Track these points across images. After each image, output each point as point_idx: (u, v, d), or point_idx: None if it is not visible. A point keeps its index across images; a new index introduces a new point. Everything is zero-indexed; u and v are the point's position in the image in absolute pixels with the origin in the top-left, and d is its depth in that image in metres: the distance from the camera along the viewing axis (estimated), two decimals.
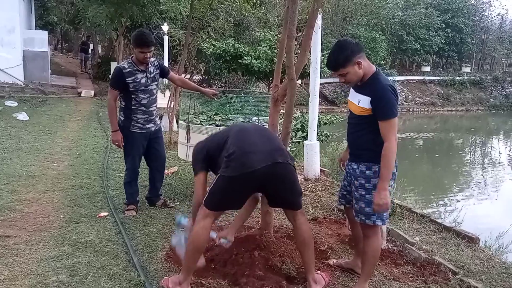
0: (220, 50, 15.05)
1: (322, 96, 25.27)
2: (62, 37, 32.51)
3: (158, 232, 3.61)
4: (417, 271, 3.08)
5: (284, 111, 3.38)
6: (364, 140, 2.62)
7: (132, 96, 3.89)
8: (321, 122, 9.19)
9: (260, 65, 14.63)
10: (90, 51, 21.57)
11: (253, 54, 14.98)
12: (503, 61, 43.06)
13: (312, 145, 5.46)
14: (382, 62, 28.02)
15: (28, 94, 12.45)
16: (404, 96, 29.37)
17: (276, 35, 14.18)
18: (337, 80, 28.14)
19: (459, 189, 10.34)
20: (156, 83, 4.04)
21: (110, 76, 4.51)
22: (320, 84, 6.40)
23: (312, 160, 5.44)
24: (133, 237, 3.50)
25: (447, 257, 3.29)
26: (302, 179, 5.36)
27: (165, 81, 8.50)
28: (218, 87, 16.73)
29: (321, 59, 5.74)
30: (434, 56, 37.94)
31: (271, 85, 4.79)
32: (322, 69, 11.62)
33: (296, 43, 3.41)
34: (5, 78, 12.87)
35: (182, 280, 2.59)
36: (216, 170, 2.66)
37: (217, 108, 5.38)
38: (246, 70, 15.43)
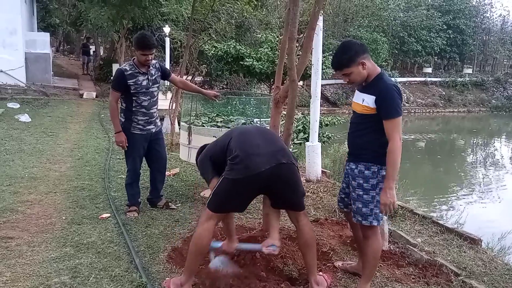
0: (222, 52, 15.08)
1: (324, 97, 25.24)
2: (64, 39, 32.58)
3: (160, 234, 3.61)
4: (419, 273, 3.08)
5: (285, 113, 3.39)
6: (365, 140, 2.62)
7: (133, 98, 3.90)
8: (323, 123, 9.19)
9: (261, 67, 14.66)
10: (92, 52, 21.59)
11: (255, 55, 15.00)
12: (504, 62, 42.94)
13: (313, 146, 5.46)
14: (383, 63, 27.98)
15: (30, 96, 12.50)
16: (405, 98, 29.28)
17: (277, 37, 14.19)
18: (338, 81, 28.01)
19: (461, 191, 10.32)
20: (157, 85, 4.05)
21: (112, 78, 4.52)
22: (322, 85, 6.40)
23: (313, 161, 5.44)
24: (135, 239, 3.50)
25: (449, 258, 3.28)
26: (304, 181, 5.35)
27: (167, 82, 8.53)
28: (220, 89, 16.74)
29: (322, 60, 5.74)
30: (436, 57, 37.85)
31: (273, 86, 4.80)
32: (324, 71, 11.64)
33: (297, 44, 3.42)
34: (7, 80, 12.91)
35: (184, 281, 2.59)
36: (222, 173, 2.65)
37: (218, 109, 5.39)
38: (248, 72, 15.46)
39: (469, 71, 36.92)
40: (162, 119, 7.67)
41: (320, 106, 5.85)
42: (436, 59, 38.69)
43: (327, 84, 26.44)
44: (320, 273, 2.84)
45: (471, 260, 3.28)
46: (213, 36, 14.11)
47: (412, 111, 28.58)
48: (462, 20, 34.91)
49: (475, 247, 3.54)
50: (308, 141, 5.77)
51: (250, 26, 16.68)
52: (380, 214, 2.62)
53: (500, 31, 41.40)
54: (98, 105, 12.78)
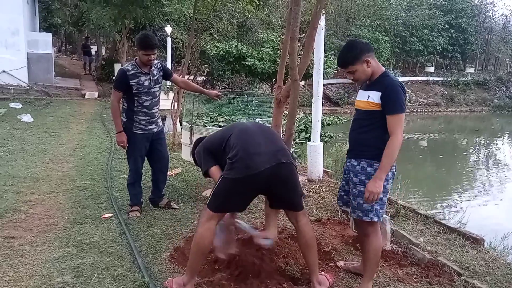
0: (224, 52, 15.09)
1: (326, 97, 25.23)
2: (66, 39, 32.64)
3: (162, 233, 3.62)
4: (422, 272, 3.07)
5: (287, 112, 3.38)
6: (369, 137, 2.63)
7: (135, 98, 3.91)
8: (325, 123, 9.18)
9: (263, 67, 14.66)
10: (94, 52, 21.61)
11: (256, 55, 15.01)
12: (507, 62, 42.87)
13: (315, 146, 5.46)
14: (385, 63, 27.96)
15: (32, 96, 12.53)
16: (408, 97, 29.17)
17: (279, 37, 14.20)
18: (340, 81, 27.99)
19: (463, 190, 10.28)
20: (159, 85, 4.06)
21: (114, 77, 4.53)
22: (324, 85, 6.39)
23: (315, 161, 5.43)
24: (137, 238, 3.51)
25: (451, 258, 3.27)
26: (306, 180, 5.36)
27: (169, 82, 8.54)
28: (222, 89, 16.75)
29: (324, 60, 5.73)
30: (438, 56, 37.80)
31: (274, 86, 4.80)
32: (325, 70, 11.62)
33: (299, 44, 3.42)
34: (9, 80, 12.96)
35: (186, 281, 2.60)
36: (219, 164, 2.68)
37: (220, 109, 5.39)
38: (249, 72, 15.46)
39: (471, 70, 36.86)
40: (164, 119, 7.68)
41: (322, 105, 5.85)
42: (438, 59, 38.65)
43: (329, 84, 26.43)
44: (322, 272, 2.84)
45: (474, 260, 3.27)
46: (215, 36, 14.13)
47: (414, 110, 28.52)
48: (464, 19, 34.84)
49: (478, 247, 3.53)
50: (310, 140, 5.76)
51: (252, 25, 16.70)
52: (381, 211, 2.63)
53: (502, 30, 41.30)
54: (100, 105, 12.81)
